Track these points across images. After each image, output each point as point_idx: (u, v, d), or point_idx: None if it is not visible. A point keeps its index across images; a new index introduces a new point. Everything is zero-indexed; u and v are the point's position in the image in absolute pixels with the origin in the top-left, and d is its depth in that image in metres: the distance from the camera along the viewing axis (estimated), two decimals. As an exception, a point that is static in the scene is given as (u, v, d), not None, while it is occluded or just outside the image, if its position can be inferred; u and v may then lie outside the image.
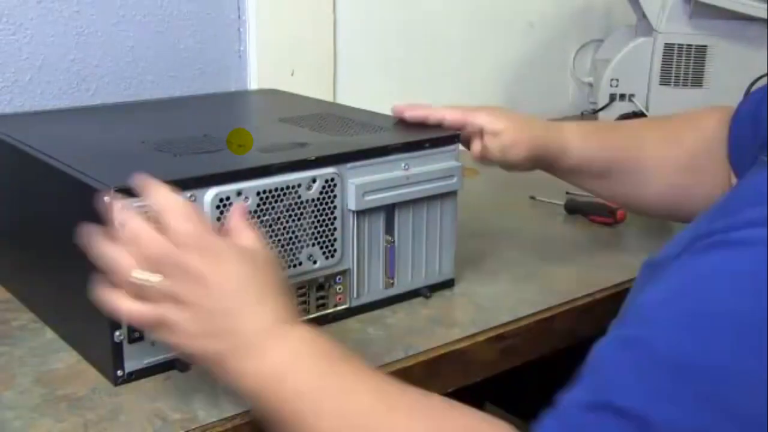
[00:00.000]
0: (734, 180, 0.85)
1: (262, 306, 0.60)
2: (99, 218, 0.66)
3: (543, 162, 0.90)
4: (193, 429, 0.64)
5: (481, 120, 0.88)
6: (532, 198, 1.20)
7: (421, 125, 0.89)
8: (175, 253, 0.59)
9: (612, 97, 1.54)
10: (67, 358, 0.74)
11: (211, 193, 0.70)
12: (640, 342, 0.48)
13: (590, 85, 1.70)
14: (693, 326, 0.47)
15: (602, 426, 0.47)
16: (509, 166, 0.91)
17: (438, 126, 0.89)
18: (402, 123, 0.90)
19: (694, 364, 0.46)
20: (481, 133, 0.89)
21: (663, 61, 1.49)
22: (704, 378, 0.45)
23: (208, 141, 0.83)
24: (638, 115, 1.52)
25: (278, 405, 0.58)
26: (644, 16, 1.50)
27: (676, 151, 0.90)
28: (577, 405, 0.49)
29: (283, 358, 0.59)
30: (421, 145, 0.83)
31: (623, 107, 1.53)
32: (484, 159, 0.90)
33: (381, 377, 0.59)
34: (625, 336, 0.50)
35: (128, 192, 0.66)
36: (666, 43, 1.48)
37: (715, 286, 0.47)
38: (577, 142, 0.90)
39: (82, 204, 0.69)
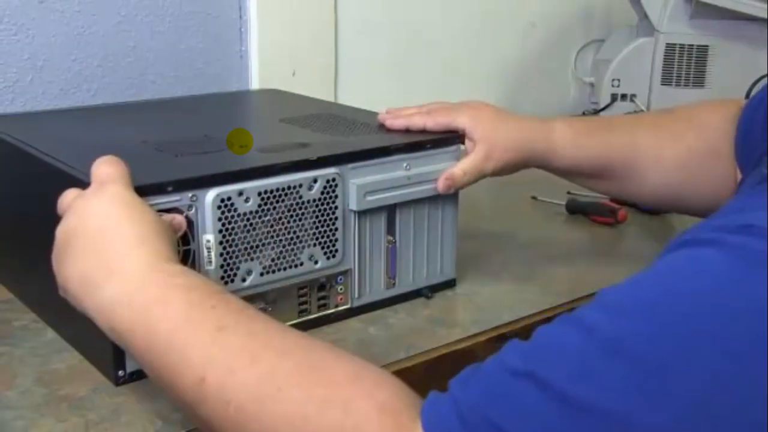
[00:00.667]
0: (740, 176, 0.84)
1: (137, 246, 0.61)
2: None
3: (531, 164, 0.89)
4: (194, 429, 0.64)
5: (462, 123, 0.86)
6: (534, 198, 1.20)
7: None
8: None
9: (613, 97, 1.54)
10: (68, 358, 0.74)
11: (212, 194, 0.70)
12: (588, 323, 0.47)
13: (592, 85, 1.70)
14: (639, 312, 0.46)
15: (523, 393, 0.46)
16: (492, 172, 0.88)
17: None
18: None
19: (632, 350, 0.45)
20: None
21: (664, 61, 1.49)
22: (640, 364, 0.44)
23: (209, 141, 0.83)
24: (639, 115, 1.52)
25: (145, 338, 0.57)
26: (645, 16, 1.50)
27: (674, 148, 0.88)
28: (503, 367, 0.48)
29: (153, 291, 0.58)
30: (422, 146, 0.83)
31: (625, 107, 1.53)
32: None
33: (260, 317, 0.58)
34: (570, 315, 0.49)
35: (129, 192, 0.66)
36: (667, 44, 1.48)
37: (674, 279, 0.47)
38: (568, 143, 0.88)
39: (83, 204, 0.69)
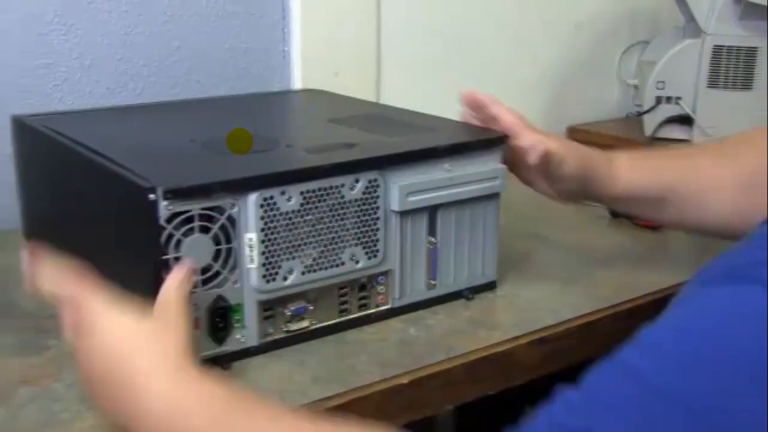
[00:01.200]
0: None
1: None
2: (146, 217, 0.66)
3: (591, 183, 0.87)
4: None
5: (531, 138, 0.86)
6: (576, 201, 1.19)
7: (466, 125, 0.89)
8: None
9: (658, 100, 1.52)
10: (112, 353, 0.75)
11: (255, 192, 0.71)
12: (637, 371, 0.47)
13: (636, 87, 1.68)
14: (690, 364, 0.45)
15: None
16: (556, 180, 0.87)
17: (485, 122, 0.88)
18: (447, 123, 0.90)
19: (687, 401, 0.44)
20: (527, 151, 0.87)
21: (711, 63, 1.46)
22: (696, 416, 0.43)
23: (255, 141, 0.83)
24: (684, 118, 1.50)
25: None
26: (692, 17, 1.48)
27: (733, 169, 0.85)
28: (556, 425, 0.47)
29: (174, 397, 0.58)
30: (466, 147, 0.83)
31: (669, 110, 1.51)
32: (532, 176, 0.89)
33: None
34: (623, 362, 0.48)
35: (175, 192, 0.67)
36: (715, 45, 1.46)
37: (718, 322, 0.46)
38: (627, 168, 0.87)
39: (129, 202, 0.70)
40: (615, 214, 1.13)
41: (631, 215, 0.92)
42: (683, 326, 0.47)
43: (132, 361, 0.59)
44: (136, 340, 0.60)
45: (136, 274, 0.70)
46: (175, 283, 0.65)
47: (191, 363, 0.60)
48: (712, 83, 1.47)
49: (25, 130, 0.92)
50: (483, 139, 0.85)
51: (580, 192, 0.89)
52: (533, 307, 0.86)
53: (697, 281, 0.53)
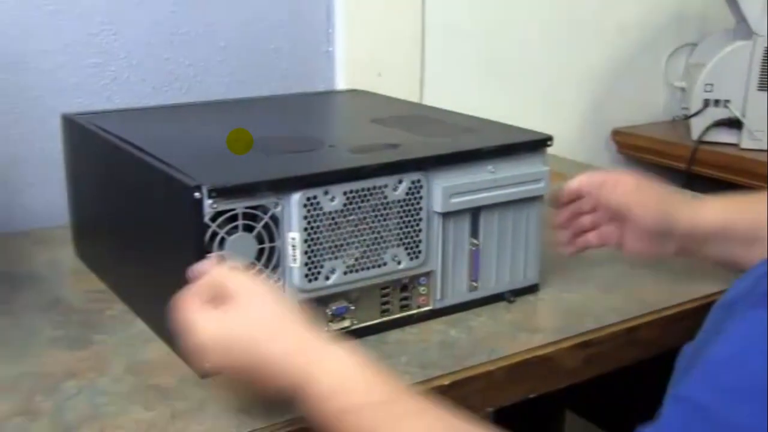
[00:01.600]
0: None
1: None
2: (191, 215, 0.67)
3: (676, 225, 0.85)
4: (277, 423, 0.65)
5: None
6: (620, 204, 1.18)
7: (510, 127, 0.89)
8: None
9: (706, 103, 1.50)
10: (156, 349, 0.76)
11: (298, 192, 0.71)
12: (706, 410, 0.47)
13: (683, 89, 1.65)
14: (753, 395, 0.45)
15: None
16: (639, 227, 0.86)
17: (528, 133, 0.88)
18: (490, 124, 0.90)
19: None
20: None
21: (762, 66, 1.44)
22: None
23: (299, 141, 0.84)
24: (733, 121, 1.47)
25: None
26: (743, 18, 1.45)
27: None
28: None
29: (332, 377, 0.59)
30: (510, 149, 0.83)
31: (717, 113, 1.49)
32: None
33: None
34: (694, 401, 0.49)
35: (220, 191, 0.67)
36: (766, 47, 1.43)
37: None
38: (710, 206, 0.85)
39: (175, 200, 0.71)
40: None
41: (719, 260, 0.88)
42: (746, 362, 0.48)
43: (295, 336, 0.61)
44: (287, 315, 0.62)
45: (180, 272, 0.71)
46: (224, 269, 0.66)
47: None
48: (763, 86, 1.45)
49: (74, 127, 0.94)
50: (527, 141, 0.84)
51: (663, 232, 0.85)
52: (575, 311, 0.85)
53: (741, 300, 0.53)
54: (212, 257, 0.67)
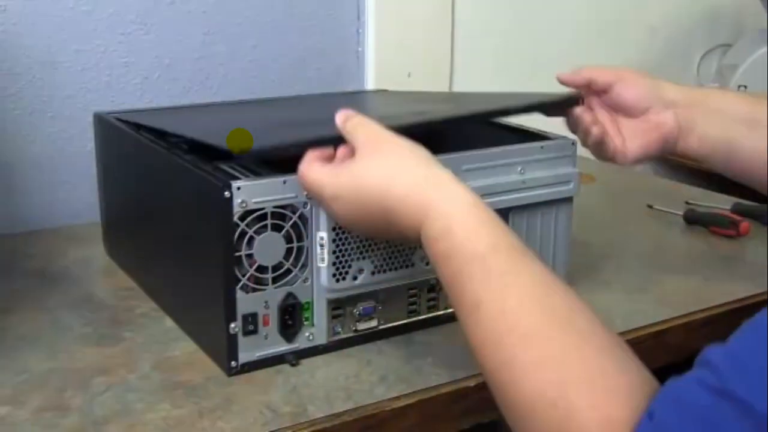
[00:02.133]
0: None
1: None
2: (220, 213, 0.68)
3: (667, 93, 0.86)
4: (302, 423, 0.65)
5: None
6: (650, 207, 1.17)
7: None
8: None
9: (738, 105, 1.48)
10: (184, 347, 0.77)
11: (327, 192, 0.71)
12: (735, 397, 0.46)
13: (715, 91, 1.63)
14: None
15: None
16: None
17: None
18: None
19: None
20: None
21: (796, 68, 1.42)
22: None
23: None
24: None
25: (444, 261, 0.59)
26: (778, 19, 1.44)
27: None
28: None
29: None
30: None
31: (750, 115, 1.47)
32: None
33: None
34: (719, 388, 0.47)
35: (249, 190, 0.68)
36: (800, 49, 1.41)
37: None
38: (720, 91, 0.86)
39: (204, 198, 0.71)
40: (690, 222, 1.11)
41: (719, 146, 0.87)
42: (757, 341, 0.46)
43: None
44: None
45: (208, 270, 0.72)
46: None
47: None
48: (797, 88, 1.43)
49: (105, 126, 0.95)
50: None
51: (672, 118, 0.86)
52: (604, 314, 0.84)
53: None
54: (341, 113, 0.70)
